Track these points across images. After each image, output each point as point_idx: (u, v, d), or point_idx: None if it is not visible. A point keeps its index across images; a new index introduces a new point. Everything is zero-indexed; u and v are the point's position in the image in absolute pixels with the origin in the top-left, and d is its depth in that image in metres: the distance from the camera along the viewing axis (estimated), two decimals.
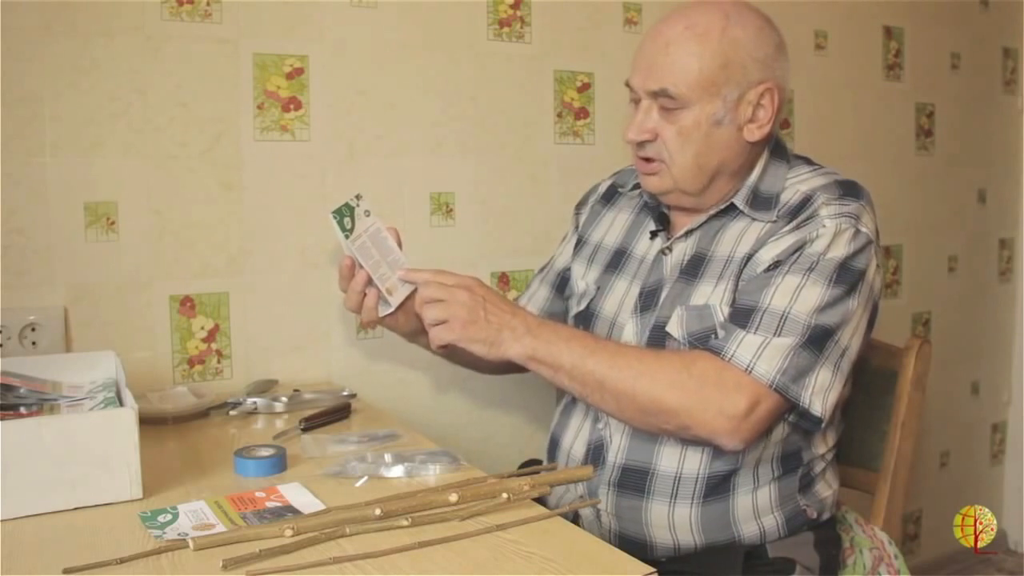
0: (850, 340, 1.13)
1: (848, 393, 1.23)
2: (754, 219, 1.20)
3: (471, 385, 1.67)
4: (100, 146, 1.37)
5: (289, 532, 0.83)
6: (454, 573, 0.78)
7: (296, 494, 0.96)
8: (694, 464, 1.16)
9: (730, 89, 1.16)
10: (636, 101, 1.22)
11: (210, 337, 1.47)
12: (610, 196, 1.40)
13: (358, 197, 1.20)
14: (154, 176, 1.41)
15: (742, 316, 1.11)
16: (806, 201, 1.17)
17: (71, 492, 0.90)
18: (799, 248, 1.13)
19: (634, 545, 1.16)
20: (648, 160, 1.21)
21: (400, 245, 1.23)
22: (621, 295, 1.27)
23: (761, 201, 1.20)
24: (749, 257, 1.16)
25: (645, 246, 1.29)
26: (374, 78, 1.57)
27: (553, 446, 1.31)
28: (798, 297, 1.10)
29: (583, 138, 1.78)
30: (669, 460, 1.17)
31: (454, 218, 1.66)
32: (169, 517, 0.88)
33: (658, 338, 1.19)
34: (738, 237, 1.20)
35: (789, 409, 1.11)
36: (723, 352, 1.09)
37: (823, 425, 1.13)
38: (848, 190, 1.17)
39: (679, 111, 1.17)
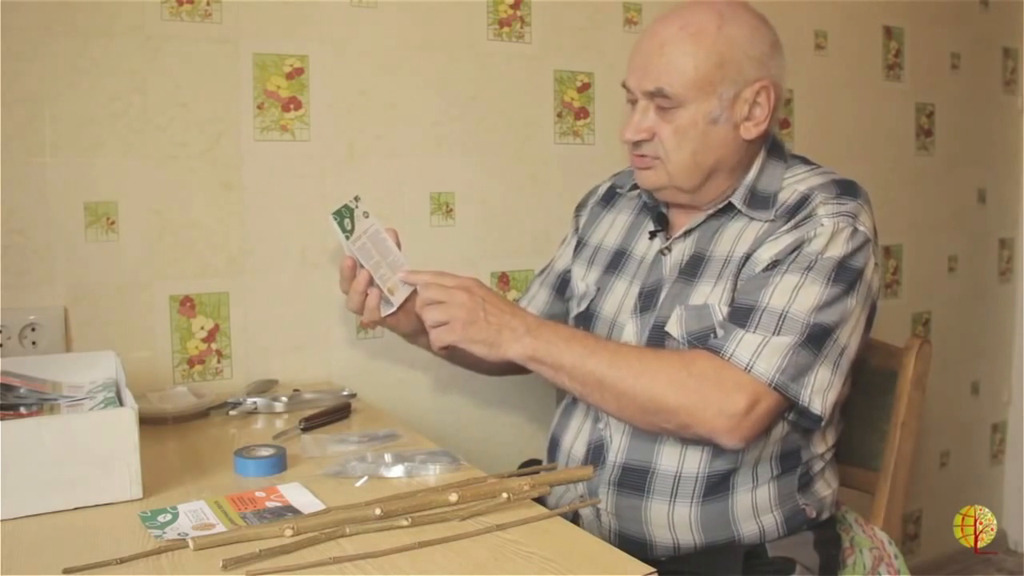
0: (849, 339, 1.13)
1: (847, 392, 1.23)
2: (752, 219, 1.20)
3: (471, 385, 1.67)
4: (100, 146, 1.37)
5: (289, 532, 0.83)
6: (454, 573, 0.78)
7: (296, 494, 0.96)
8: (694, 463, 1.16)
9: (726, 87, 1.16)
10: (633, 101, 1.22)
11: (210, 337, 1.47)
12: (609, 198, 1.41)
13: (356, 199, 1.20)
14: (154, 176, 1.41)
15: (741, 315, 1.12)
16: (804, 200, 1.17)
17: (71, 492, 0.90)
18: (797, 247, 1.13)
19: (634, 544, 1.17)
20: (643, 156, 1.22)
21: (399, 246, 1.24)
22: (621, 295, 1.27)
23: (759, 200, 1.20)
24: (747, 256, 1.17)
25: (644, 246, 1.29)
26: (374, 78, 1.57)
27: (553, 446, 1.32)
28: (797, 296, 1.10)
29: (583, 138, 1.78)
30: (669, 459, 1.17)
31: (454, 218, 1.66)
32: (169, 517, 0.88)
33: (658, 338, 1.19)
34: (736, 237, 1.20)
35: (788, 408, 1.11)
36: (722, 351, 1.09)
37: (822, 424, 1.13)
38: (845, 189, 1.17)
39: (675, 110, 1.17)
